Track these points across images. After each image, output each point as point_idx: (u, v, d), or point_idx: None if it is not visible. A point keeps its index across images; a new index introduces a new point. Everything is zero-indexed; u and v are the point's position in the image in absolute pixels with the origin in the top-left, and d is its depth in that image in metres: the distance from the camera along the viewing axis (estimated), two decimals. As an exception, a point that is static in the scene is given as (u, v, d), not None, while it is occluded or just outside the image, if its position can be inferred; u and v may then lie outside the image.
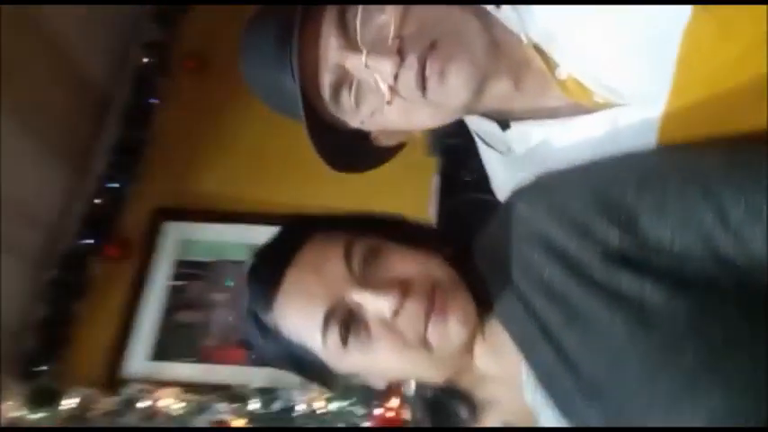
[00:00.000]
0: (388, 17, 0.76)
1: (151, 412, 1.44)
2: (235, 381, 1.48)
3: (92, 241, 1.56)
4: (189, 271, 1.58)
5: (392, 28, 0.76)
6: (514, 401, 0.75)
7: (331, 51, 0.77)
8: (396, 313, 0.68)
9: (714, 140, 0.71)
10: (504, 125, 0.86)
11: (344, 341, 0.71)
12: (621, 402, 0.61)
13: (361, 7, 0.75)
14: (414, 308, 0.68)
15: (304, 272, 0.74)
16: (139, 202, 1.66)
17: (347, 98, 0.79)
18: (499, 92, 0.80)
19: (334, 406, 1.44)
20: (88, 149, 1.63)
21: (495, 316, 0.74)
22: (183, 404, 1.44)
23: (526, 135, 0.83)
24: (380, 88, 0.77)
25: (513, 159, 0.87)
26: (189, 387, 1.48)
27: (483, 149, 0.93)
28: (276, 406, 1.44)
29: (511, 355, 0.72)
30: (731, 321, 0.60)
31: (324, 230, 0.77)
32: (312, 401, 1.44)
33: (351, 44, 0.77)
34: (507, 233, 0.76)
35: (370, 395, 1.42)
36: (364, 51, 0.75)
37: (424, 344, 0.70)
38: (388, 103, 0.77)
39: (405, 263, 0.72)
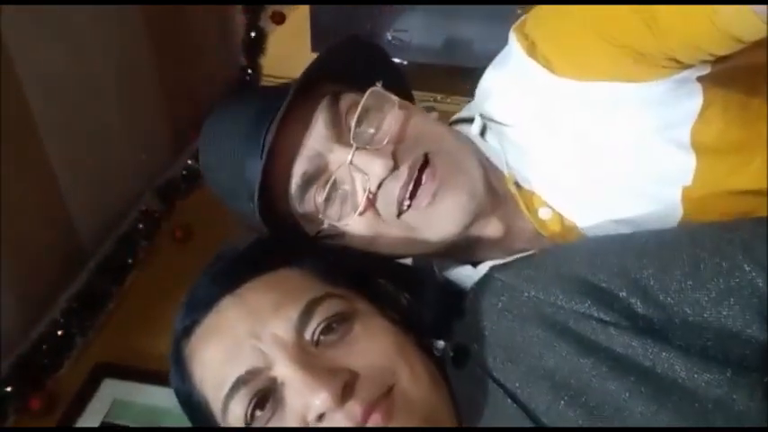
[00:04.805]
0: (387, 120, 0.70)
1: None
2: None
3: (13, 388, 1.41)
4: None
5: (390, 131, 0.69)
6: None
7: (316, 138, 0.68)
8: (320, 419, 0.54)
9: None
10: (476, 264, 0.77)
11: (248, 417, 0.56)
12: None
13: (361, 104, 0.69)
14: (340, 421, 0.54)
15: (242, 310, 0.59)
16: (82, 356, 1.56)
17: (314, 195, 0.69)
18: (487, 235, 0.71)
19: None
20: (51, 294, 1.59)
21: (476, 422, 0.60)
22: None
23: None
24: (357, 193, 0.68)
25: None
26: None
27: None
28: None
29: None
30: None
31: (300, 261, 0.63)
32: None
33: (340, 136, 0.69)
34: (487, 311, 0.63)
35: None
36: (354, 146, 0.67)
37: None
38: (360, 213, 0.68)
39: (368, 348, 0.58)
